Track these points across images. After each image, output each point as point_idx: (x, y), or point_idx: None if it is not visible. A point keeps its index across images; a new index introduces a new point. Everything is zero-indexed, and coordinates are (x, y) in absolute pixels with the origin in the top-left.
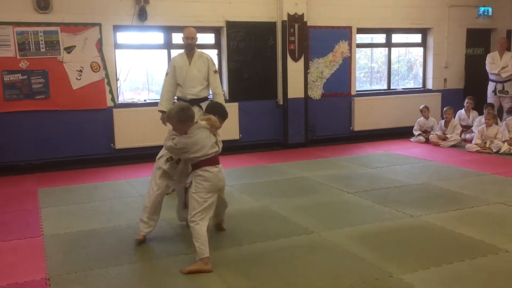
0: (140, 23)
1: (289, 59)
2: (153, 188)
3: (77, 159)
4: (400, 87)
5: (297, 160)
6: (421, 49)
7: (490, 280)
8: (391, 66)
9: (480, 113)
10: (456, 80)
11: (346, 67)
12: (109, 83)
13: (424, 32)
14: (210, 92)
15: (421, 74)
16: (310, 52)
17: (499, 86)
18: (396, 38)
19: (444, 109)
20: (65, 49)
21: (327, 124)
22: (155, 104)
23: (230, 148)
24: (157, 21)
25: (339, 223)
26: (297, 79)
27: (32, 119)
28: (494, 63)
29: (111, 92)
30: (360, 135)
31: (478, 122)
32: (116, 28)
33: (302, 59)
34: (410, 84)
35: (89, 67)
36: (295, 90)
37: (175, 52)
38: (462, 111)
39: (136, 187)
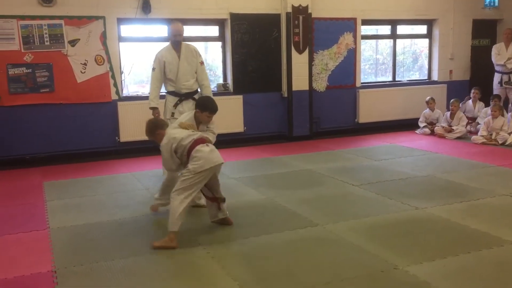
0: (144, 15)
1: (293, 51)
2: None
3: (82, 153)
4: (405, 78)
5: (301, 153)
6: (426, 41)
7: (496, 272)
8: (396, 57)
9: (487, 104)
10: (461, 71)
11: (351, 59)
12: (113, 76)
13: (429, 23)
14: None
15: (426, 66)
16: (315, 44)
17: (505, 77)
18: (401, 29)
19: (451, 101)
20: (69, 42)
21: (332, 116)
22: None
23: (235, 140)
24: (161, 14)
25: (343, 216)
26: (302, 71)
27: (37, 112)
28: (500, 54)
29: (115, 85)
30: (365, 127)
31: (484, 113)
32: (120, 21)
33: (307, 51)
34: (416, 76)
35: (94, 60)
36: (300, 82)
37: None
38: (469, 101)
39: (141, 180)
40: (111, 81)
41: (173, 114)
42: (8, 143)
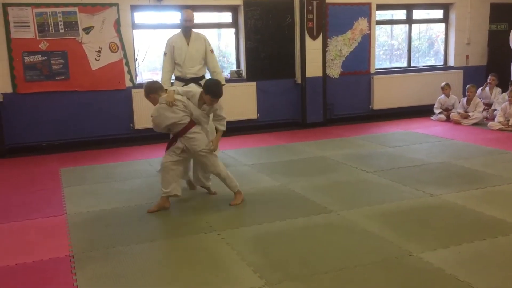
0: (157, 2)
1: (307, 37)
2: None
3: (97, 139)
4: (420, 64)
5: (315, 140)
6: (442, 25)
7: (511, 259)
8: (412, 43)
9: (504, 90)
10: (478, 56)
11: (365, 45)
12: (127, 64)
13: (446, 7)
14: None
15: (442, 51)
16: (329, 30)
17: None
18: (417, 14)
19: (467, 86)
20: (84, 29)
21: (346, 103)
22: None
23: (248, 127)
24: (174, 1)
25: (357, 202)
26: (316, 58)
27: (53, 100)
28: None
29: (129, 72)
30: (379, 113)
31: (502, 98)
32: (134, 8)
33: (321, 37)
34: (431, 62)
35: (108, 48)
36: (314, 68)
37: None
38: (486, 88)
39: (156, 166)
40: (125, 68)
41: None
42: (24, 130)
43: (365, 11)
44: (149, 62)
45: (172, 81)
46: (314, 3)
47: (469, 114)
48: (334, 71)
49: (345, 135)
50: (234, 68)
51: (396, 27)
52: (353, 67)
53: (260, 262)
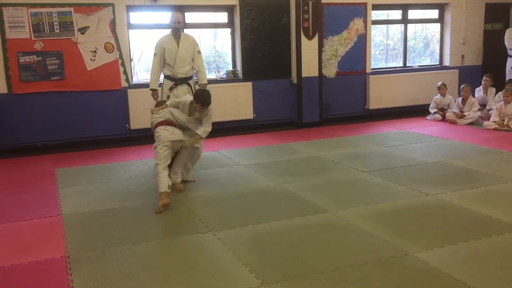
0: (153, 2)
1: (303, 37)
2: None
3: (93, 140)
4: (416, 64)
5: (311, 139)
6: (438, 25)
7: (507, 258)
8: (407, 43)
9: (500, 89)
10: (474, 56)
11: (361, 45)
12: (123, 64)
13: (441, 7)
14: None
15: (438, 51)
16: (325, 30)
17: None
18: (413, 14)
19: (462, 86)
20: (79, 30)
21: (342, 102)
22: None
23: (244, 127)
24: (170, 1)
25: (354, 202)
26: (311, 58)
27: (48, 100)
28: None
29: (125, 72)
30: (375, 113)
31: (498, 97)
32: (129, 8)
33: (316, 37)
34: (427, 61)
35: (103, 48)
36: (309, 68)
37: (188, 32)
38: (480, 88)
39: (152, 167)
40: (121, 69)
41: (168, 97)
42: (19, 130)
43: (361, 11)
44: (144, 62)
45: (160, 81)
46: (310, 3)
47: (464, 113)
48: (330, 71)
49: (341, 135)
50: (230, 68)
51: (391, 27)
52: (349, 67)
53: (256, 262)
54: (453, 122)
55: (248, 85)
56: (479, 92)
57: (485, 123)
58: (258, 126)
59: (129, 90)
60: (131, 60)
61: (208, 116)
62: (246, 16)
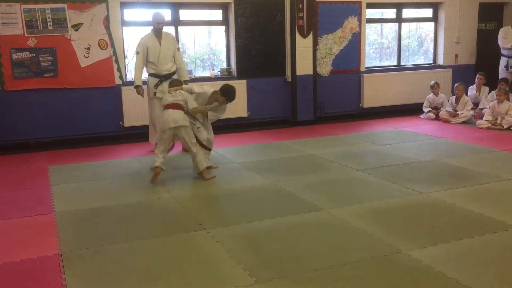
0: None
1: (297, 35)
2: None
3: (86, 137)
4: (410, 63)
5: (305, 138)
6: (432, 24)
7: (500, 256)
8: (401, 41)
9: (493, 88)
10: (467, 55)
11: (355, 43)
12: (117, 61)
13: (435, 6)
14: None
15: (431, 50)
16: (319, 28)
17: (511, 62)
18: (407, 12)
19: (455, 85)
20: (73, 26)
21: (336, 101)
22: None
23: (238, 125)
24: None
25: (347, 200)
26: (306, 56)
27: (41, 97)
28: (506, 38)
29: (119, 69)
30: (369, 112)
31: (491, 96)
32: (123, 5)
33: (311, 35)
34: (421, 60)
35: (97, 45)
36: (304, 66)
37: (182, 29)
38: (473, 86)
39: (146, 164)
40: (115, 66)
41: (155, 93)
42: (12, 128)
43: (355, 9)
44: None
45: (144, 79)
46: (305, 1)
47: (457, 112)
48: (324, 69)
49: (335, 133)
50: (225, 66)
51: (386, 26)
52: (343, 66)
53: (250, 260)
54: (446, 121)
55: (243, 83)
56: (472, 90)
57: (478, 122)
58: (252, 124)
59: (123, 88)
60: (125, 57)
61: (223, 108)
62: (240, 14)
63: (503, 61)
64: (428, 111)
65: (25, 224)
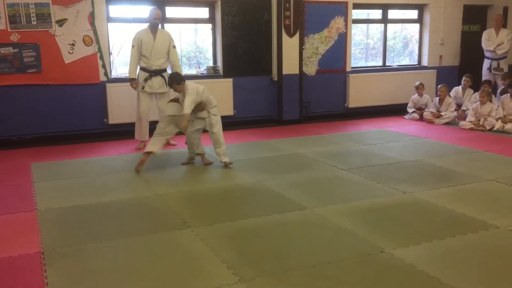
0: None
1: (284, 35)
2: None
3: (70, 134)
4: (395, 64)
5: (291, 137)
6: (417, 26)
7: (481, 255)
8: (387, 42)
9: (476, 90)
10: (451, 57)
11: (341, 43)
12: (102, 57)
13: (420, 8)
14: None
15: (416, 51)
16: (306, 28)
17: (494, 64)
18: (393, 14)
19: (438, 86)
20: (57, 22)
21: (322, 100)
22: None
23: (224, 124)
24: None
25: (332, 199)
26: (292, 55)
27: (24, 93)
28: (490, 40)
29: (104, 66)
30: (354, 112)
31: (474, 98)
32: (109, 1)
33: (297, 34)
34: (406, 61)
35: (82, 41)
36: (290, 66)
37: (168, 26)
38: (459, 88)
39: (130, 162)
40: (100, 62)
41: (143, 87)
42: None
43: (342, 9)
44: (124, 56)
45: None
46: (291, 0)
47: (441, 113)
48: (311, 68)
49: (320, 132)
50: (211, 64)
51: (372, 27)
52: (329, 65)
53: (234, 259)
54: (430, 122)
55: (229, 82)
56: (455, 92)
57: (461, 123)
58: (238, 123)
59: (108, 84)
60: (110, 54)
61: (185, 96)
62: (227, 12)
63: (486, 63)
64: (412, 112)
65: (6, 221)
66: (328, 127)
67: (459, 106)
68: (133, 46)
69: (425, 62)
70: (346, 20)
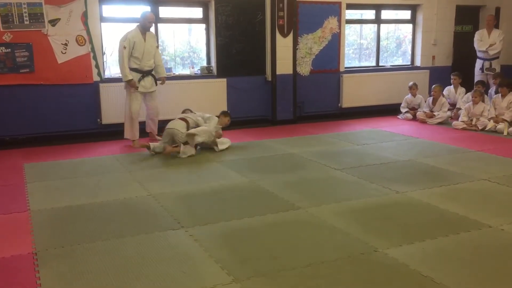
0: None
1: (278, 35)
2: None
3: (63, 134)
4: (388, 64)
5: (285, 137)
6: (410, 26)
7: (473, 254)
8: (380, 42)
9: (469, 90)
10: (444, 57)
11: (335, 44)
12: (95, 57)
13: (413, 8)
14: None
15: (409, 51)
16: (299, 28)
17: (487, 64)
18: (386, 14)
19: (432, 86)
20: (50, 21)
21: (316, 100)
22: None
23: None
24: None
25: (326, 199)
26: (286, 55)
27: (17, 93)
28: (482, 40)
29: (97, 66)
30: (348, 112)
31: (467, 98)
32: (102, 0)
33: (291, 34)
34: (399, 61)
35: (75, 41)
36: (284, 66)
37: (162, 26)
38: (451, 87)
39: (123, 162)
40: (93, 62)
41: (137, 88)
42: None
43: (335, 10)
44: (117, 56)
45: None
46: (285, 0)
47: (434, 113)
48: (304, 69)
49: (314, 132)
50: (205, 64)
51: (365, 27)
52: (323, 65)
53: (228, 259)
54: (423, 122)
55: (223, 82)
56: (448, 91)
57: (454, 122)
58: (232, 123)
59: (101, 84)
60: (103, 53)
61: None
62: (221, 12)
63: (478, 63)
64: (406, 112)
65: None
66: (322, 127)
67: (453, 105)
68: (125, 48)
69: (418, 62)
70: (339, 21)
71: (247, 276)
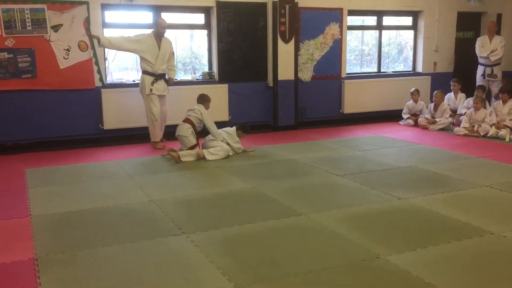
0: (128, 1)
1: (279, 41)
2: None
3: (65, 140)
4: (390, 70)
5: (286, 143)
6: (411, 32)
7: (475, 261)
8: (382, 49)
9: (470, 96)
10: (446, 63)
11: (336, 50)
12: (97, 63)
13: (415, 15)
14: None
15: (411, 57)
16: (301, 34)
17: (488, 70)
18: (387, 20)
19: (434, 92)
20: (52, 27)
21: (317, 106)
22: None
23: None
24: (146, 0)
25: (327, 205)
26: (288, 61)
27: (19, 98)
28: (483, 47)
29: (99, 72)
30: (349, 118)
31: (467, 103)
32: (104, 6)
33: (293, 40)
34: (400, 67)
35: (77, 46)
36: (286, 72)
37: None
38: (451, 94)
39: (125, 168)
40: (95, 68)
41: (151, 90)
42: None
43: (337, 16)
44: (119, 62)
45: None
46: (287, 6)
47: (436, 119)
48: (306, 74)
49: (316, 138)
50: (206, 69)
51: (367, 33)
52: (325, 71)
53: (229, 265)
54: (424, 128)
55: (224, 87)
56: (448, 97)
57: (456, 129)
58: None
59: (103, 90)
60: (105, 59)
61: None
62: (223, 18)
63: (480, 70)
64: (407, 118)
65: (0, 227)
66: (323, 133)
67: (453, 111)
68: (131, 36)
69: (419, 69)
70: (341, 27)
71: (248, 282)
